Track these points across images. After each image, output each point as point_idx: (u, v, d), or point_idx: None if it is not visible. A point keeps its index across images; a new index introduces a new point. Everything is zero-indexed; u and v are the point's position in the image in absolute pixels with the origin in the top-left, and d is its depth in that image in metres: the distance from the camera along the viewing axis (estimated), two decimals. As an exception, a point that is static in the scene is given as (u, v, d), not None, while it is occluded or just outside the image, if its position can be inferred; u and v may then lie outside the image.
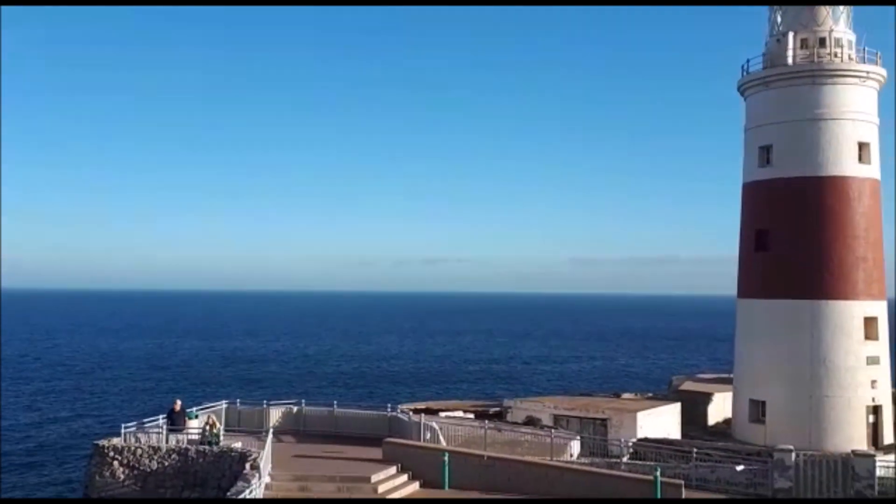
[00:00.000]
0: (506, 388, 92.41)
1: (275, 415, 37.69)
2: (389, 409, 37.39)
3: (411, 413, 36.94)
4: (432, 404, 46.39)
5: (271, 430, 32.72)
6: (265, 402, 39.27)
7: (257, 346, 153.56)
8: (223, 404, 37.72)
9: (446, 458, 29.58)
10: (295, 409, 38.05)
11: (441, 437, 32.92)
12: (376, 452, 31.70)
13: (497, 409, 44.63)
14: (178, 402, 33.35)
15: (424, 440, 32.50)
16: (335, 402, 39.00)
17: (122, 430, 31.89)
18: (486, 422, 35.67)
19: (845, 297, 37.71)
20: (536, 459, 30.26)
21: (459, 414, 42.60)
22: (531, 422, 40.87)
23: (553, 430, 35.29)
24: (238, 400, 39.44)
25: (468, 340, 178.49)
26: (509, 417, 42.37)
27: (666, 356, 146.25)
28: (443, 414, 41.39)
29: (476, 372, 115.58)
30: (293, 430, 36.95)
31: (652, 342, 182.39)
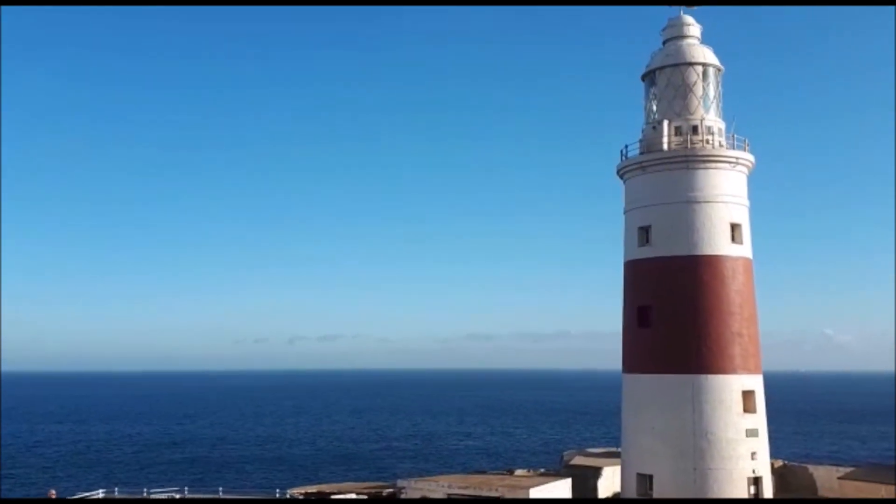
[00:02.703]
0: (405, 466, 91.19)
1: (156, 503, 36.02)
2: (278, 494, 36.34)
3: (301, 497, 35.97)
4: (325, 487, 45.24)
5: (151, 521, 31.23)
6: (145, 489, 37.57)
7: (145, 430, 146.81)
8: (100, 493, 35.87)
9: (336, 544, 28.83)
10: (178, 496, 36.52)
11: (331, 522, 32.11)
12: (263, 540, 30.63)
13: (391, 490, 43.93)
14: (53, 492, 31.62)
15: (314, 526, 31.63)
16: (221, 487, 37.69)
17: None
18: (378, 504, 35.06)
19: (724, 372, 39.18)
20: (428, 542, 29.82)
21: (352, 497, 41.71)
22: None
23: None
24: (116, 488, 37.60)
25: (366, 419, 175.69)
26: (403, 498, 41.72)
27: (559, 430, 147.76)
28: (335, 497, 40.42)
29: (374, 451, 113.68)
30: (176, 519, 35.35)
31: (546, 416, 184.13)
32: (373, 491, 44.06)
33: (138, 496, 36.24)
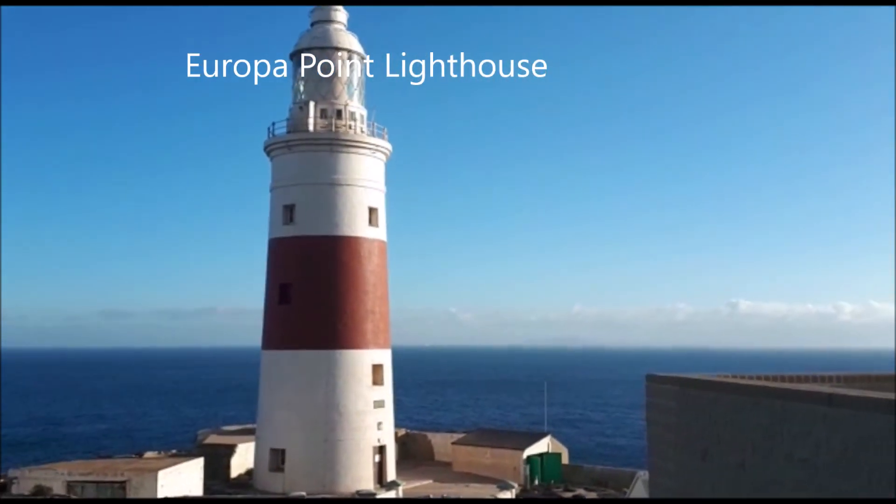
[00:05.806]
0: (22, 455, 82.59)
1: None
2: None
3: None
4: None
5: None
6: None
7: None
8: None
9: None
10: None
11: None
12: None
13: (1, 480, 39.84)
14: None
15: None
16: None
17: None
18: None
19: (356, 347, 41.29)
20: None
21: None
22: (41, 492, 37.25)
23: (70, 499, 32.62)
24: None
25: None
26: (15, 489, 38.08)
27: (198, 409, 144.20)
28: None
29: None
30: None
31: (185, 396, 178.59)
32: (-24, 483, 39.59)
33: None
